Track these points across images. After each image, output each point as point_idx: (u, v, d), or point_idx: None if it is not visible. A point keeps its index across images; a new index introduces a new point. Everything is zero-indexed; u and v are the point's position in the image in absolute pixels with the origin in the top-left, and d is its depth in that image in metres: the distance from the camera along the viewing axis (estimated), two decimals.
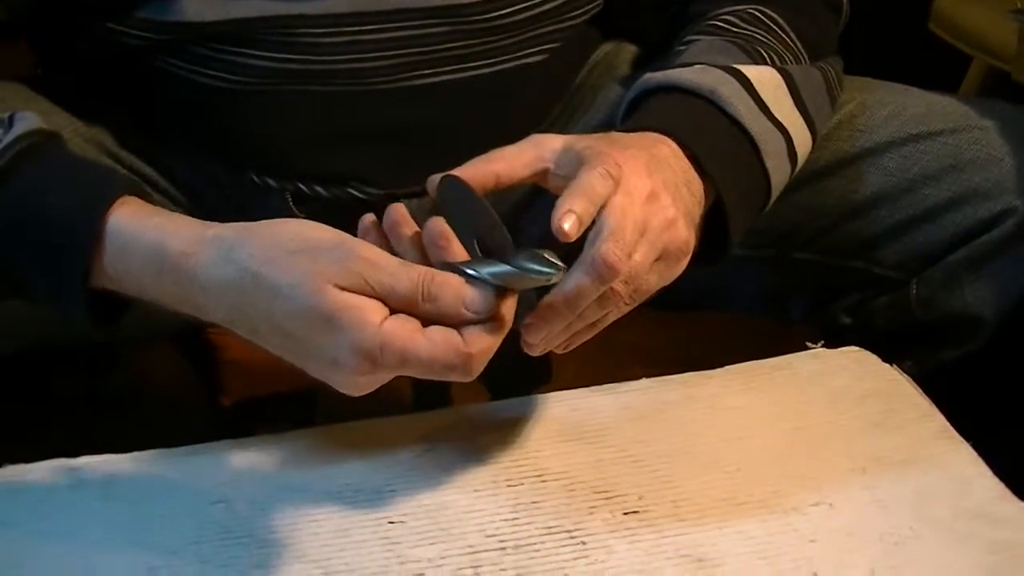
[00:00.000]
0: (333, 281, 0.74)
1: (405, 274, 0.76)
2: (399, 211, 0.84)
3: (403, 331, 0.75)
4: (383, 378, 0.77)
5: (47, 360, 1.03)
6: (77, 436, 0.94)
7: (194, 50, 1.00)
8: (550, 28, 1.07)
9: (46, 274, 0.82)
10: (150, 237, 0.79)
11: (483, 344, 0.76)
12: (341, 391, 0.78)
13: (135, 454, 0.91)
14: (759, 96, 0.96)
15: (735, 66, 0.97)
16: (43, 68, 1.12)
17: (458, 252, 0.81)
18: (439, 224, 0.81)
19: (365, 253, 0.76)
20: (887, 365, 1.00)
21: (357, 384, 0.77)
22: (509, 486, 0.88)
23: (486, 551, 0.82)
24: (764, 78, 0.97)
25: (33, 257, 0.82)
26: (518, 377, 0.95)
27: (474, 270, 0.78)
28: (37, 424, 1.04)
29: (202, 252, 0.78)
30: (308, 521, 0.85)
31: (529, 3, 1.03)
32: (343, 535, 0.84)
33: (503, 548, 0.83)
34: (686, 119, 0.94)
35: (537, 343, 0.84)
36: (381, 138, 1.04)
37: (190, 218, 0.81)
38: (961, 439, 0.92)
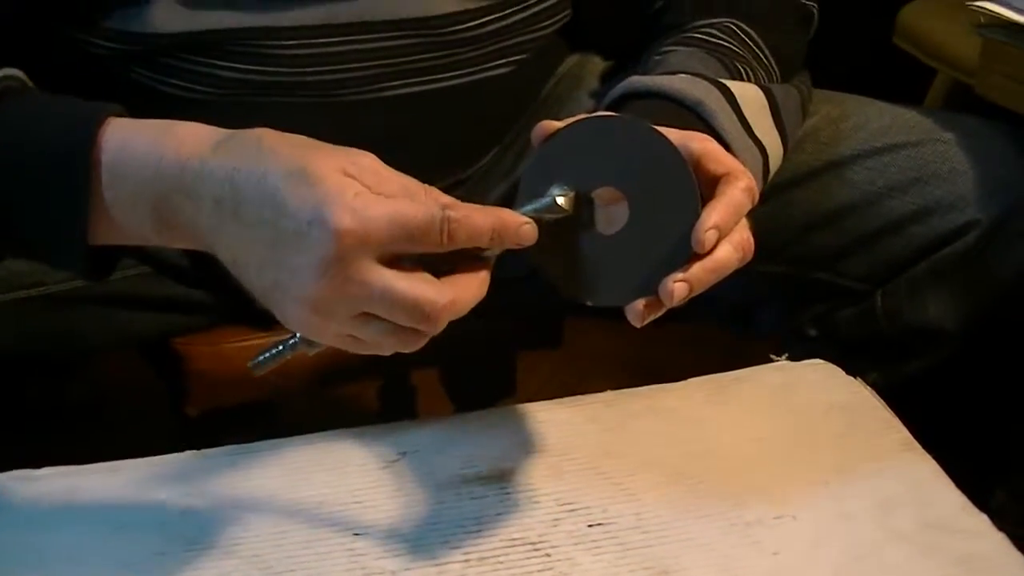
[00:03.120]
0: (340, 165, 0.74)
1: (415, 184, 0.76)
2: None
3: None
4: (343, 292, 0.73)
5: (11, 370, 1.03)
6: (41, 446, 0.94)
7: (162, 60, 0.99)
8: (519, 39, 1.07)
9: (42, 202, 0.79)
10: (151, 131, 0.78)
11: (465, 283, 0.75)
12: (291, 318, 0.75)
13: (98, 464, 0.91)
14: (742, 112, 0.95)
15: (721, 80, 0.97)
16: None
17: None
18: None
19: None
20: (851, 378, 1.00)
21: (313, 284, 0.72)
22: (473, 498, 0.88)
23: (450, 563, 0.82)
24: (748, 95, 0.96)
25: (27, 187, 0.79)
26: (482, 389, 0.95)
27: None
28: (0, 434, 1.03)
29: (204, 143, 0.76)
30: (273, 532, 0.85)
31: (498, 15, 1.04)
32: (307, 547, 0.84)
33: (467, 560, 0.83)
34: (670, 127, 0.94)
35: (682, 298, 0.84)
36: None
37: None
38: (924, 451, 0.93)
